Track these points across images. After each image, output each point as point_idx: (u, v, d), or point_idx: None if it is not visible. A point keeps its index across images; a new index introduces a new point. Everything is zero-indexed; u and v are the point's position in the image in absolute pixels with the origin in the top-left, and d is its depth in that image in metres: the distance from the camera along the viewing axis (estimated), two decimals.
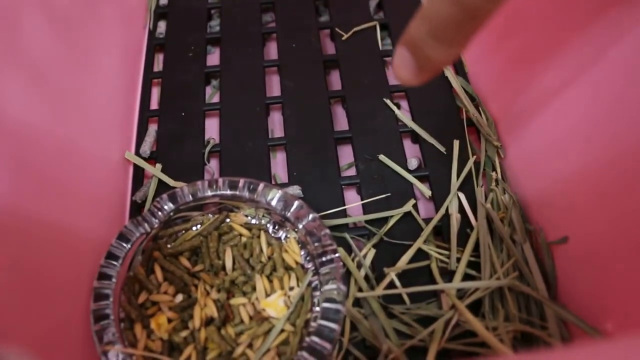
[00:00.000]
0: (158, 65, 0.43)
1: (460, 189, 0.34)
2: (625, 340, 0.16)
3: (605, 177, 0.26)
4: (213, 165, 0.37)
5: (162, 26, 0.45)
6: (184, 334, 0.28)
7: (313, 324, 0.28)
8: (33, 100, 0.27)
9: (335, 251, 0.28)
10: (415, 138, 0.38)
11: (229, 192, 0.30)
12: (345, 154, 0.38)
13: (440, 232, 0.33)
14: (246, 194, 0.30)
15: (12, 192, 0.23)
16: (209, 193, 0.30)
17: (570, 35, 0.29)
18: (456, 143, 0.36)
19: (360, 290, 0.31)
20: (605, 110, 0.26)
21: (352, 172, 0.37)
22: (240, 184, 0.30)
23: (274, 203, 0.30)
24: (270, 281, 0.30)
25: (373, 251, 0.32)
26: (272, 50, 0.44)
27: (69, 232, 0.28)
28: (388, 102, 0.39)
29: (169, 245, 0.31)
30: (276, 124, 0.40)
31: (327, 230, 0.29)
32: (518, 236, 0.32)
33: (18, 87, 0.26)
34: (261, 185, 0.30)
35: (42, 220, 0.25)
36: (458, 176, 0.35)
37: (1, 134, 0.24)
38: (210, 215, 0.32)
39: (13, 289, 0.22)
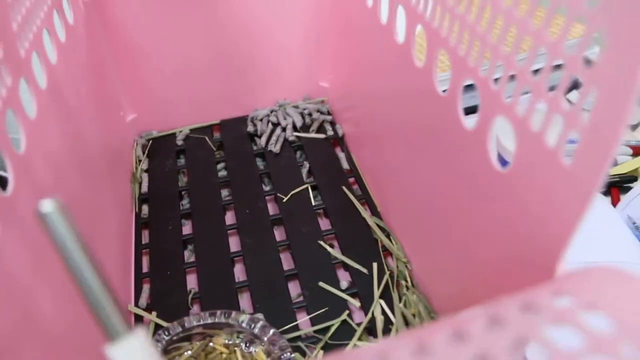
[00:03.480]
0: (145, 239, 0.55)
1: (381, 297, 0.47)
2: None
3: None
4: (196, 309, 0.48)
5: (145, 209, 0.58)
6: None
7: None
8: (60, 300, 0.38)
9: (291, 352, 0.39)
10: (346, 266, 0.51)
11: (209, 320, 0.41)
12: (294, 286, 0.50)
13: (371, 331, 0.45)
14: (223, 319, 0.41)
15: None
16: (195, 323, 0.41)
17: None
18: (375, 265, 0.49)
19: None
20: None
21: (300, 298, 0.48)
22: (218, 313, 0.41)
23: (244, 324, 0.41)
24: None
25: (322, 352, 0.43)
26: (230, 217, 0.57)
27: None
28: (322, 243, 0.52)
29: None
30: (240, 272, 0.52)
31: (284, 340, 0.40)
32: (426, 324, 0.43)
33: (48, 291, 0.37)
34: (234, 313, 0.42)
35: None
36: (378, 288, 0.47)
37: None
38: (197, 343, 0.43)
39: None
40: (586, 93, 0.23)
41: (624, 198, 0.52)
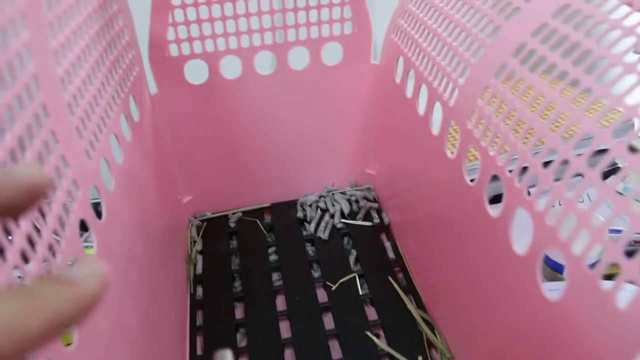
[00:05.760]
0: (199, 320, 0.58)
1: None
2: None
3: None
4: None
5: (199, 290, 0.61)
6: None
7: None
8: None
9: None
10: (392, 357, 0.52)
11: None
12: None
13: None
14: None
15: None
16: None
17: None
18: (420, 358, 0.51)
19: None
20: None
21: None
22: None
23: None
24: None
25: None
26: (281, 301, 0.60)
27: None
28: (369, 334, 0.54)
29: None
30: (289, 358, 0.54)
31: None
32: None
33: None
34: None
35: None
36: None
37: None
38: None
39: None
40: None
41: None
